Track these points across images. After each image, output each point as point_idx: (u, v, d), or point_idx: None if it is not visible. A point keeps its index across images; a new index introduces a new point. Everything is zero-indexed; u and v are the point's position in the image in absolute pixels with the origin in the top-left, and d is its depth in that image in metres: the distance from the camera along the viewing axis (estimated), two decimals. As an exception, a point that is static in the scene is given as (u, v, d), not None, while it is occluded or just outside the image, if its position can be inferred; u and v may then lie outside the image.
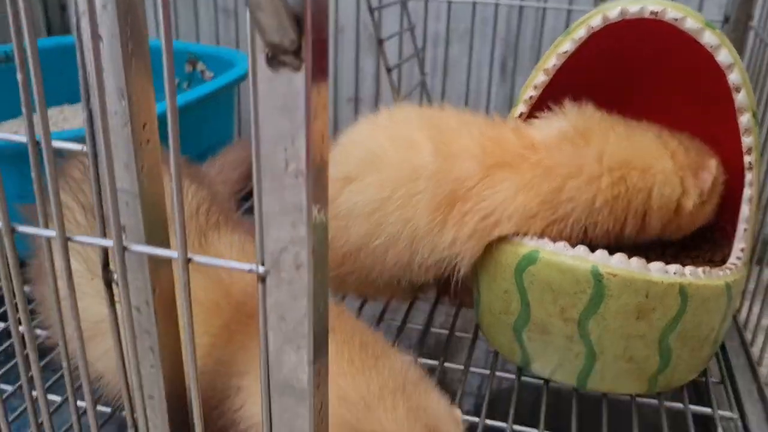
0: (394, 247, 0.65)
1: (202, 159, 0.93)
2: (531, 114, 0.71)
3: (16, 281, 0.41)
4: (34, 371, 0.45)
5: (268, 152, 0.33)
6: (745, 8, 0.94)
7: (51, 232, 0.39)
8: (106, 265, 0.44)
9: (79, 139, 0.39)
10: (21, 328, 0.44)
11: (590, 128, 0.65)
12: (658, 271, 0.58)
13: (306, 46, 0.30)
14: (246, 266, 0.36)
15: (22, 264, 0.71)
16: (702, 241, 0.74)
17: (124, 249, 0.38)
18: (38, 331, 0.73)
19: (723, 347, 0.74)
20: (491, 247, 0.64)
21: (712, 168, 0.66)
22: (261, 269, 0.36)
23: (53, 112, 1.05)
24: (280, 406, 0.39)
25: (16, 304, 0.43)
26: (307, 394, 0.38)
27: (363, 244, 0.66)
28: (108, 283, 0.44)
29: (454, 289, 0.72)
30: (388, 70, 0.92)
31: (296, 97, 0.31)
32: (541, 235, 0.61)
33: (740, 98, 0.63)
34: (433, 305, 0.78)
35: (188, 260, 0.37)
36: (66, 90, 0.96)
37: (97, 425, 0.47)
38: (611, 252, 0.59)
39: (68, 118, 1.06)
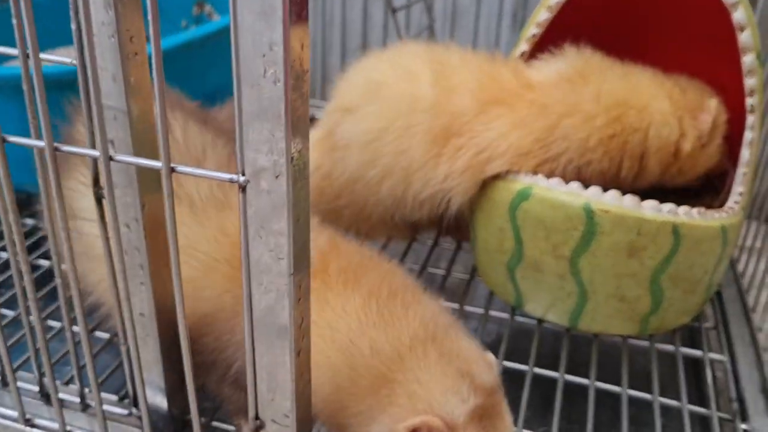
0: (389, 178, 0.65)
1: (209, 101, 0.93)
2: (534, 54, 0.70)
3: (5, 183, 0.42)
4: (30, 296, 0.46)
5: (247, 58, 0.33)
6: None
7: (40, 143, 0.40)
8: (96, 181, 0.44)
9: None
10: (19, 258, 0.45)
11: (588, 68, 0.65)
12: (651, 209, 0.57)
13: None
14: (226, 176, 0.37)
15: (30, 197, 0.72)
16: (710, 191, 0.73)
17: (110, 159, 0.39)
18: (44, 262, 0.75)
19: (719, 295, 0.74)
20: (486, 185, 0.64)
21: (711, 109, 0.66)
22: (241, 179, 0.36)
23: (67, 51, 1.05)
24: (260, 316, 0.40)
25: (17, 235, 0.44)
26: (287, 306, 0.39)
27: (359, 174, 0.67)
28: (99, 199, 0.45)
29: (447, 226, 0.72)
30: (393, 11, 0.91)
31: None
32: (534, 173, 0.61)
33: (744, 37, 0.62)
34: (431, 247, 0.79)
35: (172, 169, 0.38)
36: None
37: (91, 349, 0.48)
38: (608, 194, 0.59)
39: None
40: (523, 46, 0.70)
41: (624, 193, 0.60)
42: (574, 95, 0.64)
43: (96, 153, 0.39)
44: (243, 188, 0.36)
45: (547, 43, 0.69)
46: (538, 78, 0.66)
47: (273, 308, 0.39)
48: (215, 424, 0.55)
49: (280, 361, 0.41)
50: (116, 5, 0.38)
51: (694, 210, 0.59)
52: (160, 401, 0.52)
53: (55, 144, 0.39)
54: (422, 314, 0.48)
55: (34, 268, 0.72)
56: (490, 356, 0.49)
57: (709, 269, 0.62)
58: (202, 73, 0.91)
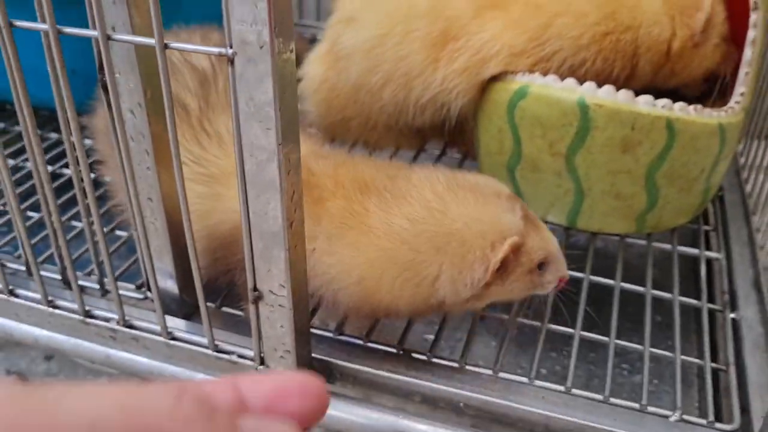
0: (391, 84, 0.67)
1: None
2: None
3: (17, 75, 0.44)
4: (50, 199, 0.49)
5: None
6: None
7: (44, 26, 0.42)
8: (101, 67, 0.47)
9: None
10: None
11: None
12: (646, 104, 0.58)
13: None
14: (216, 50, 0.39)
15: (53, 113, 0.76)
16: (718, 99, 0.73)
17: (108, 38, 0.41)
18: (66, 170, 0.78)
19: (722, 199, 0.75)
20: (486, 88, 0.65)
21: (705, 6, 0.65)
22: (230, 51, 0.38)
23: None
24: (254, 192, 0.42)
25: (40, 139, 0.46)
26: (276, 178, 0.41)
27: (363, 82, 0.68)
28: (104, 86, 0.47)
29: (452, 134, 0.73)
30: None
31: None
32: (531, 73, 0.62)
33: (748, -67, 0.62)
34: (438, 156, 0.81)
35: (165, 46, 0.40)
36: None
37: (107, 246, 0.51)
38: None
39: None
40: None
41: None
42: None
43: (95, 33, 0.41)
44: (231, 61, 0.39)
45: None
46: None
47: (264, 182, 0.42)
48: (224, 309, 0.58)
49: (274, 231, 0.43)
50: None
51: (691, 107, 0.60)
52: (171, 286, 0.55)
53: (58, 27, 0.42)
54: (425, 174, 0.52)
55: (58, 176, 0.76)
56: (490, 178, 0.54)
57: (706, 168, 0.63)
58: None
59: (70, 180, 0.75)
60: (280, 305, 0.46)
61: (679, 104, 0.59)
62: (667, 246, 0.67)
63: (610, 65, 0.65)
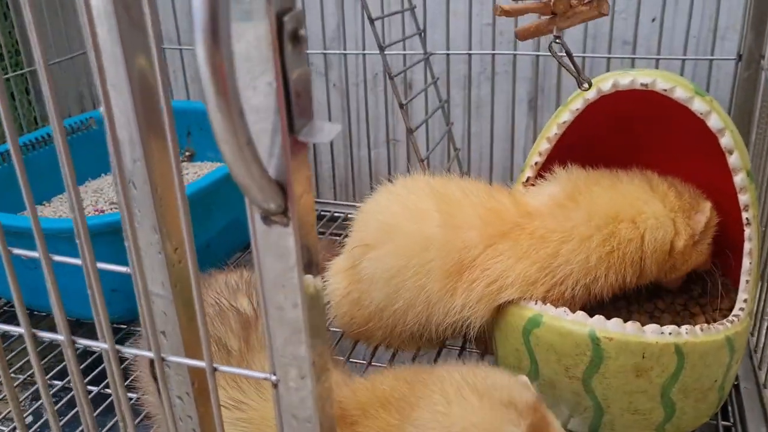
0: (413, 309, 0.71)
1: (215, 241, 0.99)
2: (540, 175, 0.76)
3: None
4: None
5: (270, 292, 0.40)
6: (758, 45, 0.96)
7: (104, 345, 0.47)
8: (152, 363, 0.51)
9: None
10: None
11: (577, 189, 0.71)
12: (653, 333, 0.62)
13: (291, 207, 0.37)
14: (262, 375, 0.43)
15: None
16: (710, 287, 0.78)
17: (163, 360, 0.46)
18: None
19: (738, 389, 0.78)
20: (502, 309, 0.69)
21: (706, 210, 0.71)
22: (273, 378, 0.43)
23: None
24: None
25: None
26: (319, 478, 0.45)
27: (385, 306, 0.73)
28: (155, 377, 0.52)
29: (474, 339, 0.77)
30: (401, 106, 0.96)
31: (287, 247, 0.38)
32: (544, 299, 0.66)
33: (733, 160, 0.67)
34: (459, 352, 0.84)
35: (214, 369, 0.44)
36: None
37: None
38: (615, 302, 0.64)
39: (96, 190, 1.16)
40: (528, 173, 0.76)
41: (631, 298, 0.64)
42: (568, 220, 0.69)
43: (150, 354, 0.46)
44: (275, 385, 0.43)
45: (554, 158, 0.76)
46: (535, 204, 0.71)
47: (307, 479, 0.45)
48: None
49: None
50: (161, 228, 0.46)
51: (697, 327, 0.64)
52: None
53: (117, 347, 0.47)
54: (438, 375, 0.54)
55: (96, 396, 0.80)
56: (523, 377, 0.55)
57: (719, 377, 0.66)
58: (206, 216, 0.96)
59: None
60: None
61: (686, 327, 0.63)
62: (689, 452, 0.69)
63: (622, 275, 0.69)
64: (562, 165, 0.74)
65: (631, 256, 0.69)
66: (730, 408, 0.76)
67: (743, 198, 0.68)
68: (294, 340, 0.41)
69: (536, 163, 0.76)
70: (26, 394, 0.85)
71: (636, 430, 0.67)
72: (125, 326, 0.93)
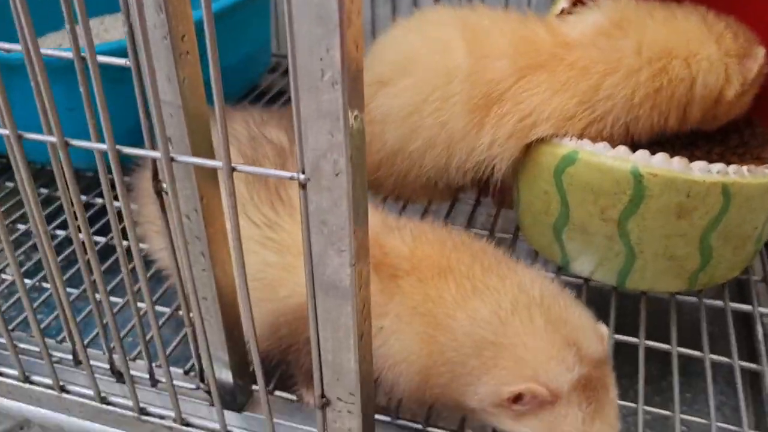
0: (431, 150, 0.65)
1: (240, 67, 0.93)
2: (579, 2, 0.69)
3: (72, 191, 0.43)
4: (96, 275, 0.48)
5: (305, 62, 0.33)
6: None
7: (102, 146, 0.41)
8: (155, 175, 0.45)
9: (122, 52, 0.40)
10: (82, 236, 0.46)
11: (626, 18, 0.63)
12: (701, 171, 0.57)
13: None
14: (287, 174, 0.38)
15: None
16: (748, 137, 0.72)
17: (172, 159, 0.40)
18: (99, 238, 0.77)
19: (767, 245, 0.74)
20: (531, 149, 0.64)
21: (759, 56, 0.64)
22: (302, 177, 0.37)
23: (94, 23, 1.06)
24: (325, 305, 0.41)
25: (75, 212, 0.45)
26: (349, 294, 0.40)
27: (399, 148, 0.67)
28: (158, 192, 0.46)
29: (493, 189, 0.72)
30: None
31: (330, 5, 0.32)
32: (581, 136, 0.61)
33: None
34: (473, 206, 0.79)
35: (233, 169, 0.38)
36: (104, 0, 0.98)
37: (158, 324, 0.50)
38: (650, 148, 0.59)
39: (109, 28, 1.07)
40: (563, 3, 0.69)
41: (667, 144, 0.59)
42: (614, 51, 0.63)
43: (157, 154, 0.40)
44: (303, 186, 0.37)
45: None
46: (574, 35, 0.64)
47: (335, 297, 0.40)
48: (277, 393, 0.57)
49: (344, 345, 0.42)
50: (167, 7, 0.39)
51: (744, 168, 0.59)
52: (226, 375, 0.54)
53: (117, 147, 0.40)
54: (520, 282, 0.49)
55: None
56: (603, 327, 0.50)
57: (759, 224, 0.62)
58: (233, 39, 0.91)
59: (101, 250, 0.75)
60: (348, 411, 0.45)
61: (733, 167, 0.58)
62: (719, 303, 0.66)
63: (665, 117, 0.63)
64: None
65: (678, 98, 0.63)
66: (760, 264, 0.72)
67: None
68: (328, 128, 0.35)
69: (573, -9, 0.68)
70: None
71: (668, 277, 0.64)
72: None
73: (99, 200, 0.82)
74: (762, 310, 0.65)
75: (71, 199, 0.45)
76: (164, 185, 0.44)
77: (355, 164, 0.36)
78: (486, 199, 0.80)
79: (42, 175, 0.85)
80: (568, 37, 0.64)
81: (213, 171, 0.45)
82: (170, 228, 0.46)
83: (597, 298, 0.70)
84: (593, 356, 0.46)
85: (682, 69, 0.63)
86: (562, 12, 0.69)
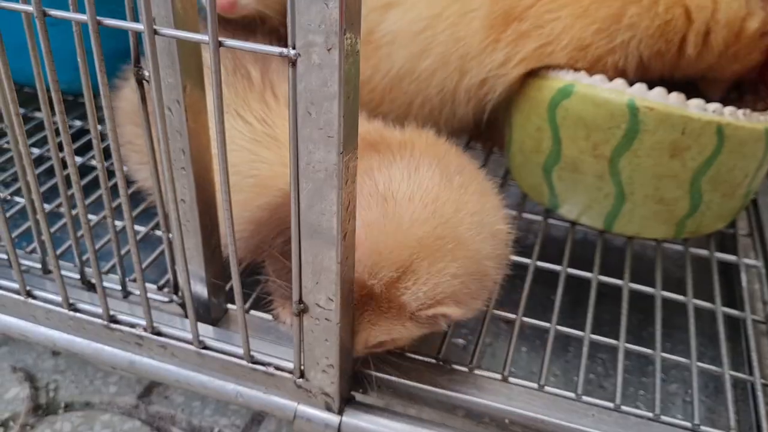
0: (443, 68, 0.63)
1: None
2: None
3: (48, 66, 0.41)
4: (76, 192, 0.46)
5: None
6: None
7: (82, 16, 0.39)
8: (137, 60, 0.43)
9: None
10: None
11: None
12: (697, 108, 0.56)
13: None
14: (276, 50, 0.36)
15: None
16: (751, 88, 0.71)
17: (155, 32, 0.38)
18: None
19: (755, 202, 0.74)
20: (525, 83, 0.62)
21: None
22: (292, 52, 0.35)
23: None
24: (308, 197, 0.40)
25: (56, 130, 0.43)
26: (335, 185, 0.38)
27: (409, 68, 0.65)
28: (139, 81, 0.44)
29: (480, 130, 0.71)
30: None
31: None
32: (591, 68, 0.59)
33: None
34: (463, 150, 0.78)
35: (219, 44, 0.37)
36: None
37: (135, 237, 0.48)
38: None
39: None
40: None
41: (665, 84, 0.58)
42: None
43: (140, 26, 0.38)
44: (293, 62, 0.35)
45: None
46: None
47: (320, 189, 0.39)
48: (253, 312, 0.56)
49: (327, 243, 0.41)
50: None
51: (740, 111, 0.58)
52: (201, 290, 0.53)
53: (98, 18, 0.38)
54: (450, 194, 0.48)
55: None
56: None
57: (750, 173, 0.61)
58: None
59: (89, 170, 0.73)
60: (326, 319, 0.44)
61: (729, 109, 0.57)
62: (704, 252, 0.65)
63: (678, 45, 0.62)
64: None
65: (698, 26, 0.61)
66: (747, 220, 0.72)
67: (807, -22, 0.61)
68: (324, -3, 0.33)
69: None
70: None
71: (655, 223, 0.63)
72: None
73: (78, 122, 0.80)
74: (747, 261, 0.65)
75: (52, 103, 0.43)
76: (146, 72, 0.42)
77: (349, 40, 0.34)
78: (476, 146, 0.79)
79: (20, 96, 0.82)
80: None
81: (198, 59, 0.43)
82: (149, 123, 0.44)
83: (582, 243, 0.69)
84: None
85: None
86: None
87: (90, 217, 0.65)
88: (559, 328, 0.56)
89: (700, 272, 0.64)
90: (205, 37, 0.37)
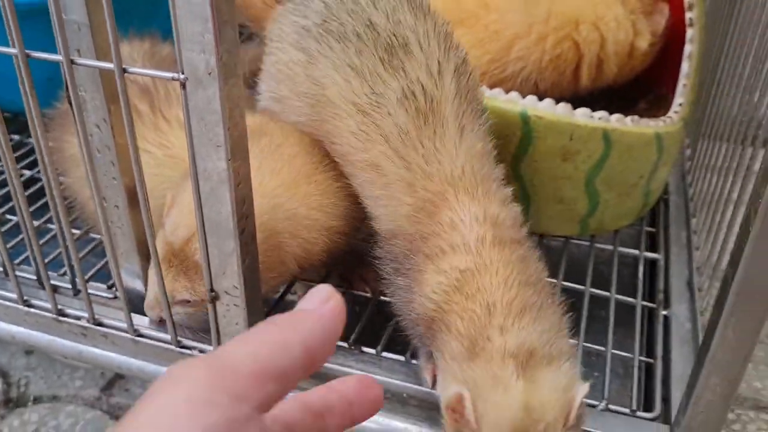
0: None
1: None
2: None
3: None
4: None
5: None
6: None
7: (13, 50, 0.46)
8: (67, 86, 0.50)
9: None
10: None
11: None
12: (583, 116, 0.62)
13: None
14: (169, 74, 0.43)
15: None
16: (656, 99, 0.78)
17: (72, 62, 0.45)
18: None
19: (667, 202, 0.80)
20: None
21: (664, 11, 0.71)
22: (181, 77, 0.42)
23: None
24: (208, 201, 0.46)
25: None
26: (226, 188, 0.45)
27: None
28: (71, 103, 0.51)
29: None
30: None
31: None
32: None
33: (680, -44, 0.66)
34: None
35: (124, 70, 0.44)
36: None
37: (77, 250, 0.54)
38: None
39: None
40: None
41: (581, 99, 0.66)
42: (527, 16, 0.68)
43: (59, 57, 0.45)
44: (183, 85, 0.42)
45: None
46: (495, -3, 0.70)
47: (216, 191, 0.46)
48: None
49: (227, 238, 0.47)
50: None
51: (627, 118, 0.64)
52: (139, 286, 0.59)
53: (27, 51, 0.45)
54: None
55: (35, 180, 0.80)
56: None
57: (645, 174, 0.67)
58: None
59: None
60: (235, 305, 0.50)
61: (616, 116, 0.64)
62: (609, 246, 0.71)
63: (570, 77, 0.70)
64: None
65: (590, 58, 0.69)
66: (656, 217, 0.78)
67: (688, -4, 0.68)
68: (200, 30, 0.40)
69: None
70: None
71: (560, 222, 0.69)
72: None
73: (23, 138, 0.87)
74: (649, 254, 0.71)
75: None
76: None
77: (225, 64, 0.41)
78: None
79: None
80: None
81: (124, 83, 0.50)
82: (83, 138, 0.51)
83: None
84: None
85: (591, 32, 0.69)
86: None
87: (51, 226, 0.72)
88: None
89: (620, 267, 0.70)
90: (111, 65, 0.44)
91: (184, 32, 0.40)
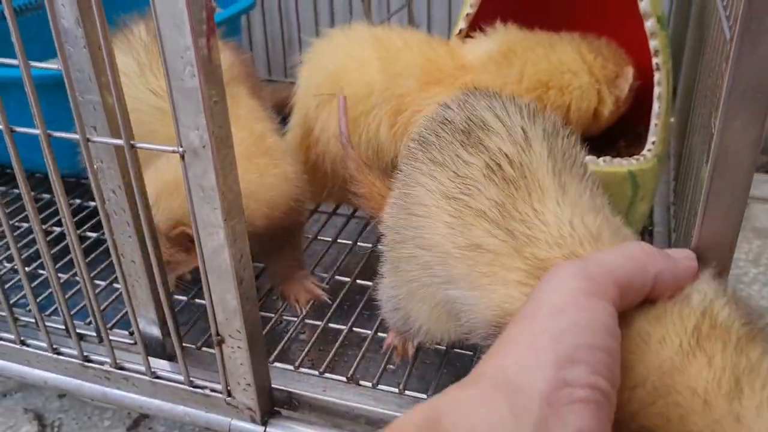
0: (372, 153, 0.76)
1: None
2: (472, 28, 0.80)
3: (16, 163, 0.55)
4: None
5: (171, 59, 0.45)
6: None
7: (37, 131, 0.53)
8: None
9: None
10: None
11: (513, 49, 0.74)
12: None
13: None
14: (170, 148, 0.49)
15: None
16: (633, 138, 0.83)
17: (88, 140, 0.52)
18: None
19: (651, 233, 0.84)
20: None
21: (628, 76, 0.75)
22: (181, 149, 0.49)
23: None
24: (210, 259, 0.52)
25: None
26: (225, 246, 0.51)
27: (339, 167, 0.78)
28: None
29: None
30: None
31: (183, 16, 0.43)
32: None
33: (644, 5, 0.71)
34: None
35: (132, 146, 0.50)
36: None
37: (98, 303, 0.61)
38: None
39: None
40: (461, 24, 0.80)
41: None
42: (500, 77, 0.74)
43: (77, 137, 0.52)
44: (182, 156, 0.49)
45: (488, 15, 0.79)
46: (471, 57, 0.76)
47: (216, 249, 0.52)
48: (204, 349, 0.68)
49: (227, 289, 0.53)
50: (84, 24, 0.50)
51: (601, 159, 0.69)
52: (156, 332, 0.65)
53: (48, 132, 0.52)
54: None
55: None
56: None
57: (622, 210, 0.72)
58: None
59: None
60: (238, 347, 0.56)
61: (590, 158, 0.68)
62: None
63: None
64: (497, 17, 0.78)
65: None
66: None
67: (653, 43, 0.72)
68: (193, 110, 0.46)
69: (468, 15, 0.79)
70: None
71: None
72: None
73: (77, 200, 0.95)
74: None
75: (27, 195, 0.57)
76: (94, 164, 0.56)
77: (218, 138, 0.47)
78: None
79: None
80: (464, 60, 0.76)
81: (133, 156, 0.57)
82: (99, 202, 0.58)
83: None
84: None
85: (558, 97, 0.74)
86: (460, 32, 0.80)
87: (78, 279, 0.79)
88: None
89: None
90: (120, 141, 0.50)
91: (180, 113, 0.47)
